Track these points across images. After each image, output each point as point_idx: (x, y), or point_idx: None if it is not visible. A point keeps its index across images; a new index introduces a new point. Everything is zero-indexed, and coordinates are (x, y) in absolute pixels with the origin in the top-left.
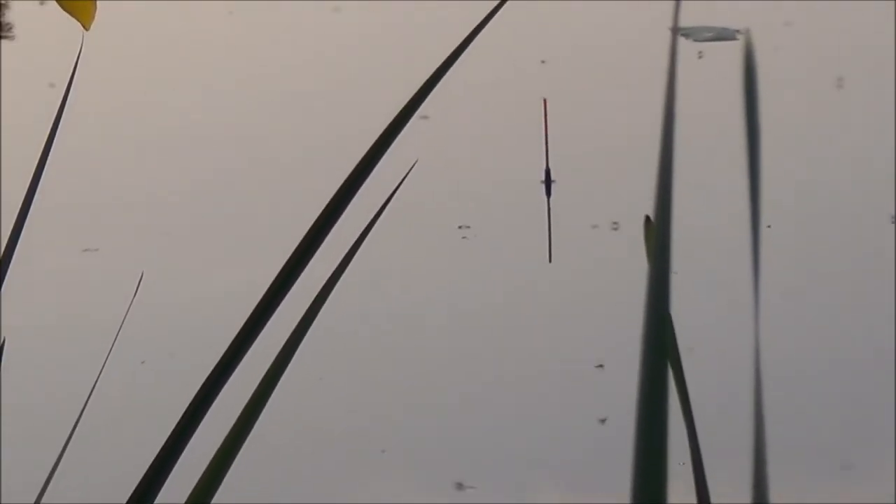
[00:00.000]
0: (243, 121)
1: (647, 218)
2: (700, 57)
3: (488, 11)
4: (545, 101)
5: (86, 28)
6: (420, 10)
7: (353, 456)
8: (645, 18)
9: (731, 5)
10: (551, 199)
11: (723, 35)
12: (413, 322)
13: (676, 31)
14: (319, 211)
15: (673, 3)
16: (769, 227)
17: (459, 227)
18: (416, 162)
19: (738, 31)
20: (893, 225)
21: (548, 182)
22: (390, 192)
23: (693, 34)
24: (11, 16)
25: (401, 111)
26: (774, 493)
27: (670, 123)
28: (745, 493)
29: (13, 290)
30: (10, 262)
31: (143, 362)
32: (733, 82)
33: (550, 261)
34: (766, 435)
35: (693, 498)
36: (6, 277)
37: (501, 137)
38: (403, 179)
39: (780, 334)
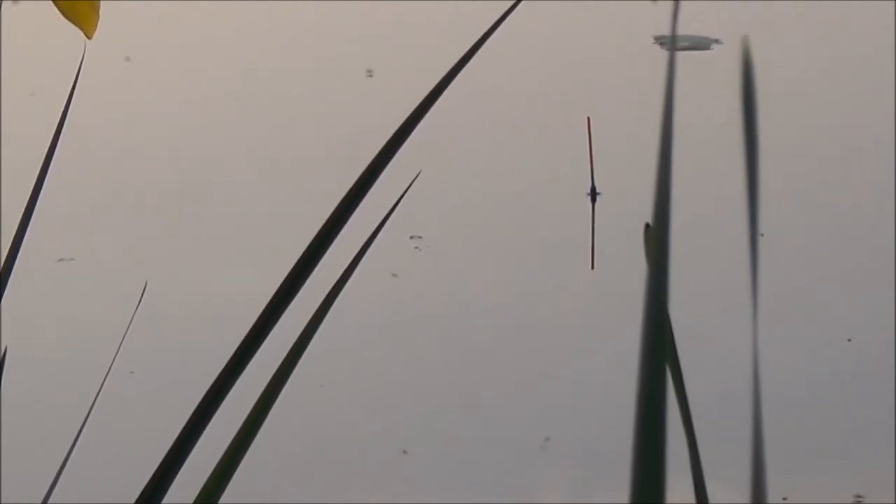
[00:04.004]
0: (239, 123)
1: (647, 225)
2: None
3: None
4: (588, 119)
5: (88, 36)
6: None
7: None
8: (627, 25)
9: (707, 13)
10: (596, 205)
11: (699, 44)
12: (373, 331)
13: (674, 37)
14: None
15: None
16: (762, 235)
17: (412, 238)
18: (420, 172)
19: (715, 40)
20: (894, 225)
21: (593, 194)
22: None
23: (668, 43)
24: (11, 19)
25: (406, 119)
26: (773, 493)
27: (669, 129)
28: (745, 494)
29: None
30: (10, 272)
31: (132, 372)
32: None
33: (593, 267)
34: (764, 435)
35: (692, 498)
36: (6, 288)
37: (460, 144)
38: (408, 189)
39: (779, 335)
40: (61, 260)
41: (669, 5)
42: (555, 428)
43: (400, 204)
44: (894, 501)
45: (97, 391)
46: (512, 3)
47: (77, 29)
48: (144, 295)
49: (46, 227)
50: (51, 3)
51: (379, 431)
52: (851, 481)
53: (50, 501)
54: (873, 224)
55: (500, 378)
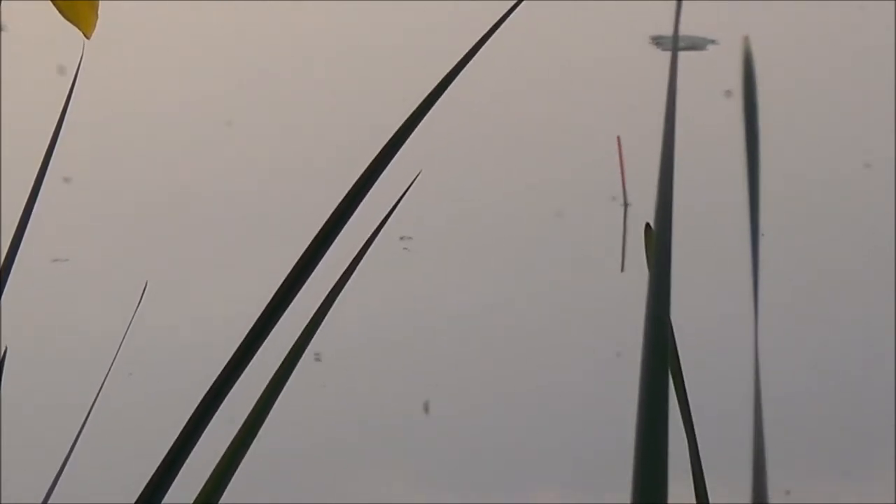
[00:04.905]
0: (238, 123)
1: (648, 226)
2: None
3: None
4: (619, 138)
5: (87, 36)
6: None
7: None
8: (626, 25)
9: (705, 13)
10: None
11: (695, 44)
12: (360, 332)
13: (676, 37)
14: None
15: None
16: (763, 235)
17: (401, 238)
18: (420, 173)
19: (711, 40)
20: (894, 225)
21: (625, 205)
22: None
23: (664, 43)
24: (6, 16)
25: (406, 119)
26: (773, 493)
27: (670, 130)
28: (745, 495)
29: None
30: (9, 272)
31: (130, 374)
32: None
33: (623, 270)
34: (765, 436)
35: (692, 498)
36: (5, 287)
37: (452, 144)
38: (406, 191)
39: (779, 336)
40: (56, 260)
41: (668, 6)
42: (554, 428)
43: (389, 205)
44: (894, 501)
45: (97, 391)
46: (512, 3)
47: (77, 29)
48: (143, 295)
49: (42, 227)
50: (50, 3)
51: (378, 432)
52: (852, 481)
53: (50, 501)
54: (873, 224)
55: (496, 378)
